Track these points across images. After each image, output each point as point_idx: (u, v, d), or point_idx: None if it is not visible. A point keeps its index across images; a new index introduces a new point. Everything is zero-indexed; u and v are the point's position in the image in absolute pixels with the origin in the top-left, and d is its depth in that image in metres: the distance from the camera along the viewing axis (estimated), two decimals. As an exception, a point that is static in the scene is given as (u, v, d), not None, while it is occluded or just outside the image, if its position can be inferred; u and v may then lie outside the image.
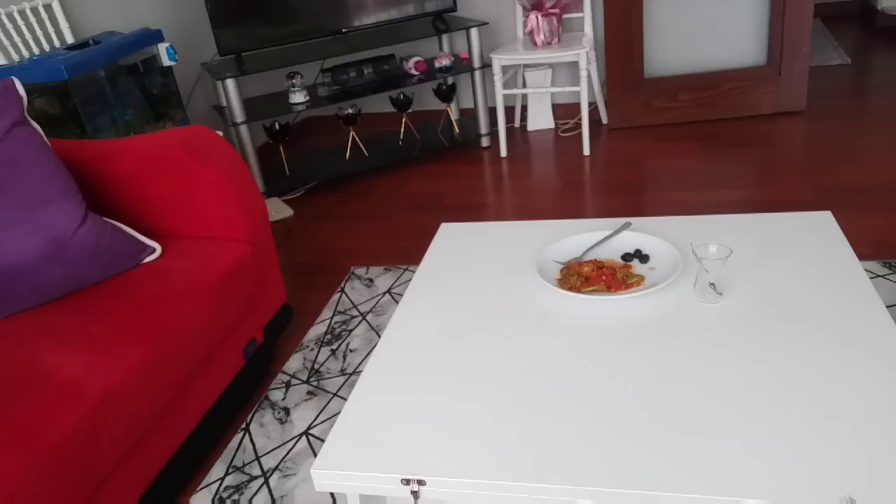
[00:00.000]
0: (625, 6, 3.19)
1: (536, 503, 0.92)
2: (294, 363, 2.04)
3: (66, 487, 1.23)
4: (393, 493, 0.97)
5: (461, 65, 3.33)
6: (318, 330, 2.19)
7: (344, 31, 3.20)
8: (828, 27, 4.57)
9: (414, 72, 3.29)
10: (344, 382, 1.93)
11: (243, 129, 3.00)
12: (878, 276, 2.02)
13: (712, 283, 1.22)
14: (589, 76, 3.37)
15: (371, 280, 2.42)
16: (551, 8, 3.10)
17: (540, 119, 3.59)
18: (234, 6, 2.96)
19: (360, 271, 2.49)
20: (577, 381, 1.08)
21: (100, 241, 1.61)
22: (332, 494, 1.54)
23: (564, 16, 3.23)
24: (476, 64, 3.26)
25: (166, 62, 2.63)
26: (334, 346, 2.09)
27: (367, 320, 2.19)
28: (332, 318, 2.23)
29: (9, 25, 2.30)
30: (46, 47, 2.43)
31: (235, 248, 1.78)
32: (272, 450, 1.72)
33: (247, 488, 1.62)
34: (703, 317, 1.19)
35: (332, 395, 1.89)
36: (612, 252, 1.43)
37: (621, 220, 1.54)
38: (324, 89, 3.25)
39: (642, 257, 1.39)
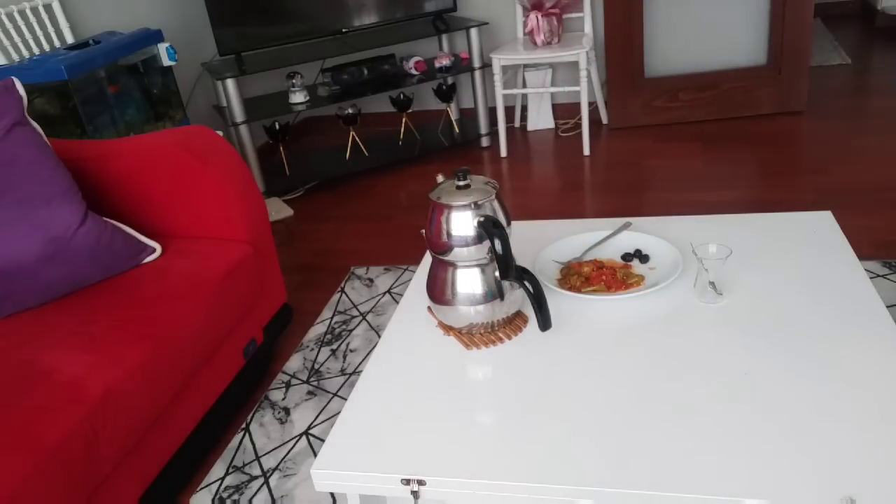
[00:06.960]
0: (625, 6, 3.18)
1: (536, 503, 0.92)
2: (294, 363, 2.04)
3: (66, 487, 1.22)
4: (393, 493, 0.97)
5: (461, 65, 3.33)
6: (318, 330, 2.19)
7: (344, 31, 3.20)
8: (828, 27, 4.57)
9: (414, 72, 3.29)
10: (344, 382, 1.93)
11: (243, 129, 3.00)
12: (878, 276, 2.02)
13: (712, 283, 1.22)
14: (589, 76, 3.37)
15: (371, 280, 2.42)
16: (551, 8, 3.10)
17: (540, 119, 3.59)
18: (234, 6, 2.96)
19: (360, 271, 2.48)
20: (576, 380, 1.08)
21: (100, 241, 1.61)
22: (332, 494, 1.54)
23: (564, 16, 3.23)
24: (476, 64, 3.26)
25: (166, 62, 2.63)
26: (334, 346, 2.09)
27: (367, 320, 2.19)
28: (332, 318, 2.23)
29: (9, 25, 2.30)
30: (46, 47, 2.43)
31: (235, 248, 1.78)
32: (272, 450, 1.72)
33: (247, 488, 1.62)
34: (703, 317, 1.19)
35: (332, 395, 1.88)
36: (612, 252, 1.43)
37: (621, 220, 1.54)
38: (324, 89, 3.25)
39: (642, 257, 1.39)
